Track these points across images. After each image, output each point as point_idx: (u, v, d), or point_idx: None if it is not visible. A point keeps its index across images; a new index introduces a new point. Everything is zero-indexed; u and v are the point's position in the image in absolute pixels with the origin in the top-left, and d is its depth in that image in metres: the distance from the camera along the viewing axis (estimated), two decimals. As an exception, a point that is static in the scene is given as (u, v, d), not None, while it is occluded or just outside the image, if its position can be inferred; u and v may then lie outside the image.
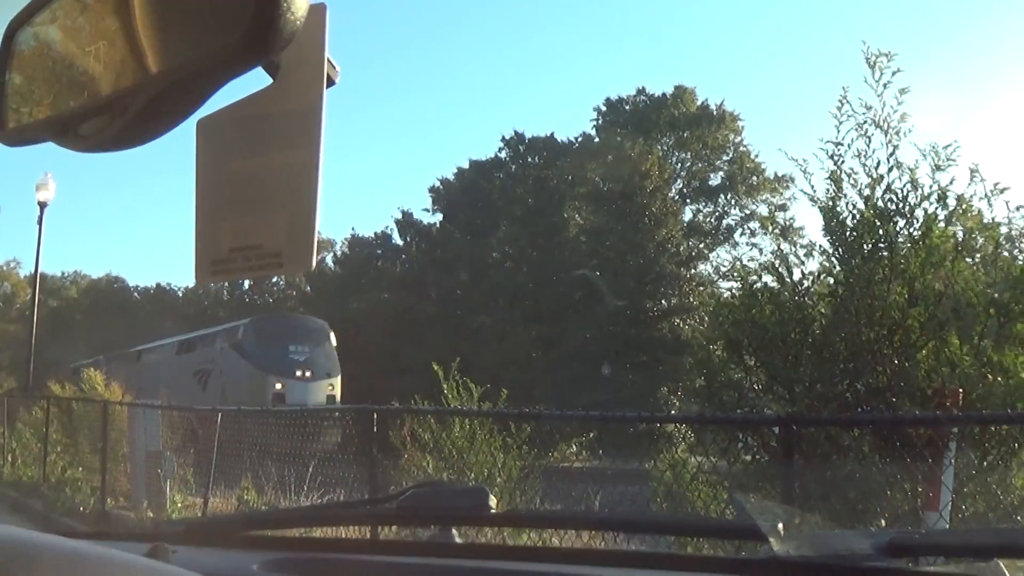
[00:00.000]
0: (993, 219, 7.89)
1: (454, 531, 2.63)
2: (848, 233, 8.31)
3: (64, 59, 1.32)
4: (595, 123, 65.10)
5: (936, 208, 8.09)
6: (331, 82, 1.40)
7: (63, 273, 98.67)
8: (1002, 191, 8.17)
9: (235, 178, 1.46)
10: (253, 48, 1.11)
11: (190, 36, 1.18)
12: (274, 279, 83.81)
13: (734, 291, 8.68)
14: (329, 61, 1.40)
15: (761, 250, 49.61)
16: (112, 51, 1.27)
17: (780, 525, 2.22)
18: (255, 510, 11.58)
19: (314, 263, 1.43)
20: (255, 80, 1.38)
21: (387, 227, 74.67)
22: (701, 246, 58.68)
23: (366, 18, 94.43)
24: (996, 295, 7.65)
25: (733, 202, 63.11)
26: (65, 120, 1.29)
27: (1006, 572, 1.97)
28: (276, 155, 1.42)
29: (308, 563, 2.43)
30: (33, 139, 1.36)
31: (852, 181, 8.51)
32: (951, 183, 8.21)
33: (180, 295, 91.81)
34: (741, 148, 62.97)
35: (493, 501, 2.54)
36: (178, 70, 1.19)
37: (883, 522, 6.91)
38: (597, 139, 63.85)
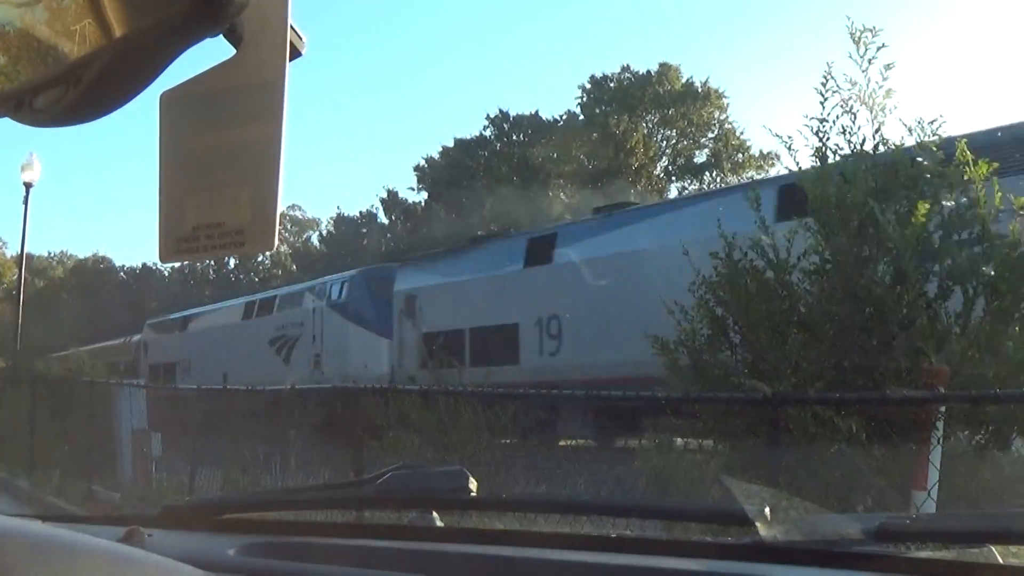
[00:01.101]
0: (981, 194, 7.85)
1: (434, 513, 2.60)
2: (834, 210, 8.28)
3: (18, 33, 1.27)
4: (580, 101, 65.30)
5: (922, 184, 8.07)
6: (297, 53, 1.35)
7: (49, 253, 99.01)
8: (993, 171, 8.14)
9: (198, 154, 1.42)
10: (207, 13, 1.08)
11: (143, 2, 1.14)
12: (259, 257, 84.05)
13: (718, 268, 8.62)
14: (294, 31, 1.35)
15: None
16: (66, 21, 1.22)
17: (767, 509, 2.19)
18: (240, 490, 11.55)
19: (276, 242, 1.38)
20: (220, 52, 1.34)
21: (372, 206, 75.19)
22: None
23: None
24: (985, 272, 7.63)
25: (719, 179, 63.29)
26: (20, 94, 1.24)
27: (999, 558, 1.93)
28: (238, 130, 1.37)
29: (285, 547, 2.40)
30: None
31: (838, 158, 8.49)
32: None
33: (167, 275, 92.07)
34: (726, 125, 63.26)
35: (473, 483, 2.50)
36: (132, 37, 1.14)
37: (870, 501, 6.89)
38: (582, 117, 64.09)
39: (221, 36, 1.28)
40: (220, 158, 1.39)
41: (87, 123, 1.26)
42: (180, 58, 1.22)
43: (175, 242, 1.43)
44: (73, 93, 1.18)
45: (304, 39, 1.37)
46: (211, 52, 1.30)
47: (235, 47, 1.33)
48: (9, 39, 1.29)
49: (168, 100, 1.40)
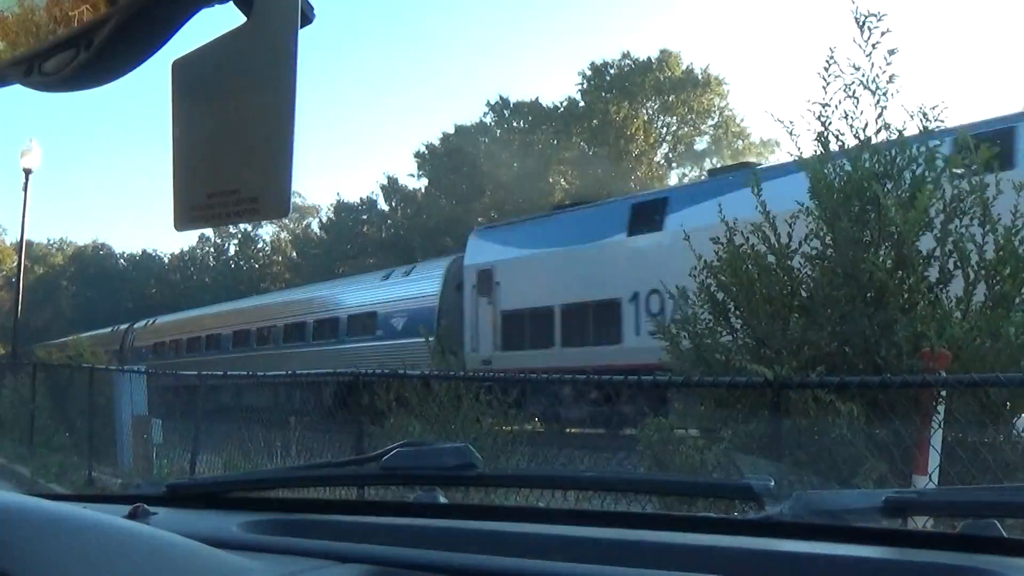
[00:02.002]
0: (981, 179, 7.85)
1: (438, 491, 2.60)
2: (835, 195, 8.28)
3: (17, 19, 1.27)
4: (580, 87, 65.16)
5: (924, 169, 8.07)
6: (307, 20, 1.35)
7: (49, 240, 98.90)
8: (991, 157, 8.14)
9: (211, 121, 1.42)
10: None
11: None
12: (259, 244, 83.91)
13: (719, 252, 8.63)
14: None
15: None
16: (64, 6, 1.22)
17: (773, 485, 2.19)
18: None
19: (290, 209, 1.38)
20: (231, 19, 1.34)
21: (372, 192, 75.06)
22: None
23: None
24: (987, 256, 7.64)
25: (719, 166, 63.30)
26: (30, 58, 1.24)
27: (1003, 532, 1.94)
28: (250, 97, 1.37)
29: (290, 523, 2.41)
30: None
31: (840, 143, 8.49)
32: (939, 144, 8.19)
33: (166, 261, 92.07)
34: (727, 112, 63.14)
35: (478, 460, 2.50)
36: (142, 1, 1.14)
37: (871, 486, 6.90)
38: (582, 103, 63.98)
39: (232, 3, 1.28)
40: (233, 125, 1.39)
41: (95, 87, 1.26)
42: (190, 26, 1.22)
43: (190, 210, 1.44)
44: (83, 56, 1.18)
45: (313, 6, 1.37)
46: (220, 19, 1.30)
47: (246, 14, 1.33)
48: (8, 24, 1.29)
49: (180, 67, 1.40)
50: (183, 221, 1.45)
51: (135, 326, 54.96)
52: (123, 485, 14.37)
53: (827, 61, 8.49)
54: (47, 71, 1.21)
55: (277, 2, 1.33)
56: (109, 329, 56.87)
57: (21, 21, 1.29)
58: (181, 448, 15.36)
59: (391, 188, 71.97)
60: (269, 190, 1.36)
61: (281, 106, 1.33)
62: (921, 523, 3.08)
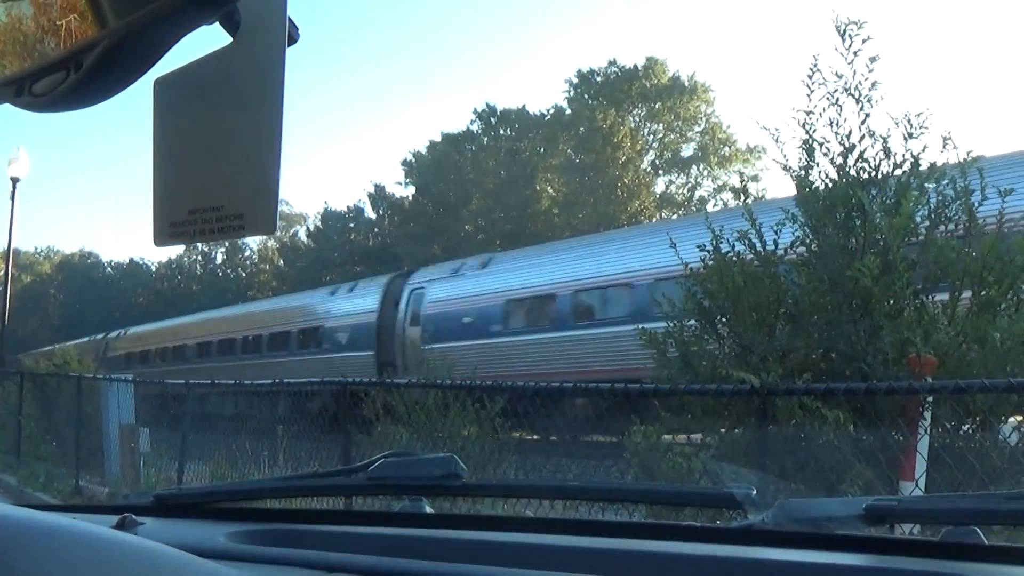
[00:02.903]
0: (966, 186, 7.89)
1: (425, 500, 2.62)
2: (821, 202, 8.32)
3: (34, 31, 1.28)
4: (567, 95, 65.19)
5: (908, 176, 8.11)
6: (292, 41, 1.37)
7: (36, 248, 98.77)
8: (975, 159, 8.17)
9: (194, 139, 1.44)
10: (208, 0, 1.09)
11: None
12: (247, 253, 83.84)
13: (705, 260, 8.66)
14: (290, 20, 1.37)
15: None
16: (52, 15, 1.24)
17: (755, 493, 2.21)
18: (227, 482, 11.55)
19: (277, 226, 1.40)
20: (216, 40, 1.36)
21: (360, 201, 75.02)
22: (674, 217, 58.74)
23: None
24: (971, 262, 7.68)
25: (705, 173, 63.38)
26: (20, 80, 1.26)
27: (983, 538, 1.96)
28: (236, 115, 1.39)
29: (277, 533, 2.42)
30: None
31: (824, 150, 8.53)
32: (923, 151, 8.22)
33: (153, 270, 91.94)
34: (713, 119, 63.16)
35: (463, 470, 2.52)
36: (133, 23, 1.15)
37: (858, 492, 6.92)
38: (569, 111, 64.01)
39: (218, 24, 1.30)
40: (217, 143, 1.41)
41: (84, 108, 1.28)
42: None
43: (170, 226, 1.45)
44: (73, 78, 1.19)
45: (298, 27, 1.39)
46: (205, 40, 1.32)
47: (231, 35, 1.35)
48: (15, 33, 1.31)
49: (162, 85, 1.42)
50: (163, 237, 1.47)
51: (109, 336, 57.03)
52: (110, 495, 14.36)
53: (811, 69, 8.53)
54: (37, 92, 1.23)
55: (264, 23, 1.35)
56: (87, 339, 57.90)
57: (8, 31, 1.30)
58: (168, 457, 15.35)
59: (378, 196, 71.95)
60: (256, 207, 1.38)
61: (268, 124, 1.35)
62: (908, 530, 3.11)
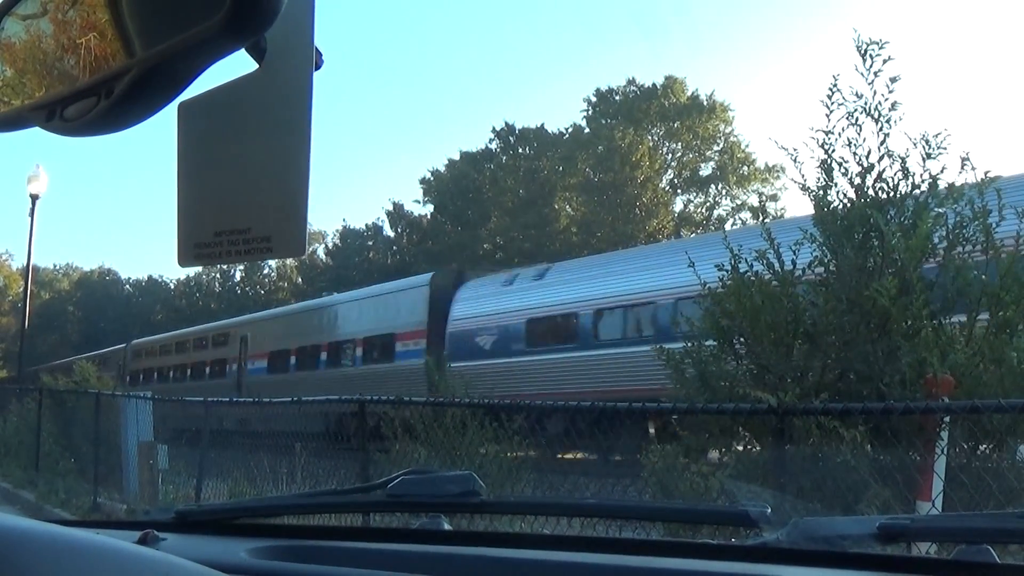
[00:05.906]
0: (984, 206, 7.88)
1: (443, 517, 2.64)
2: (839, 222, 8.32)
3: (54, 49, 1.31)
4: (585, 114, 65.15)
5: (927, 196, 8.11)
6: (317, 66, 1.40)
7: (55, 265, 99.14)
8: (993, 179, 8.16)
9: (220, 162, 1.46)
10: (237, 27, 1.11)
11: (175, 16, 1.18)
12: (265, 271, 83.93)
13: (724, 280, 8.66)
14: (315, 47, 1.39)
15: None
16: (71, 34, 1.27)
17: (769, 511, 2.23)
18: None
19: (306, 249, 1.42)
20: (242, 65, 1.38)
21: (378, 219, 75.12)
22: (692, 236, 58.67)
23: (358, 9, 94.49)
24: (988, 283, 7.67)
25: (724, 192, 63.32)
26: (51, 105, 1.28)
27: (996, 557, 1.97)
28: (264, 140, 1.41)
29: (297, 550, 2.43)
30: (19, 125, 1.35)
31: (843, 170, 8.52)
32: (942, 171, 8.22)
33: (172, 287, 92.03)
34: (732, 138, 63.06)
35: (482, 488, 2.54)
36: (163, 51, 1.18)
37: (875, 511, 6.91)
38: (587, 130, 63.92)
39: (243, 51, 1.33)
40: (245, 167, 1.43)
41: (113, 133, 1.30)
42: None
43: (195, 247, 1.48)
44: (103, 104, 1.21)
45: (322, 53, 1.42)
46: (232, 66, 1.35)
47: (257, 61, 1.37)
48: (15, 52, 1.34)
49: (186, 109, 1.44)
50: (187, 258, 1.49)
51: (113, 351, 58.99)
52: (129, 511, 14.36)
53: (830, 89, 8.52)
54: (68, 117, 1.25)
55: (291, 51, 1.37)
56: (97, 352, 58.17)
57: (28, 48, 1.33)
58: (186, 474, 15.36)
59: (397, 214, 72.02)
60: (284, 230, 1.40)
61: (296, 149, 1.38)
62: (924, 549, 3.11)
